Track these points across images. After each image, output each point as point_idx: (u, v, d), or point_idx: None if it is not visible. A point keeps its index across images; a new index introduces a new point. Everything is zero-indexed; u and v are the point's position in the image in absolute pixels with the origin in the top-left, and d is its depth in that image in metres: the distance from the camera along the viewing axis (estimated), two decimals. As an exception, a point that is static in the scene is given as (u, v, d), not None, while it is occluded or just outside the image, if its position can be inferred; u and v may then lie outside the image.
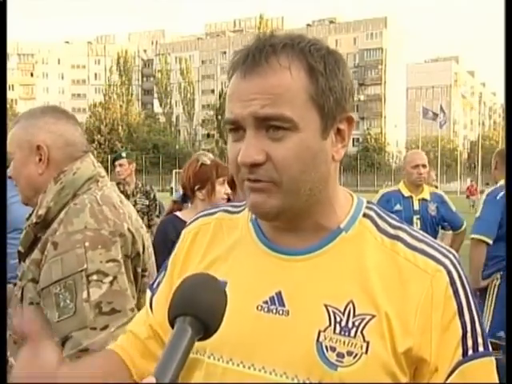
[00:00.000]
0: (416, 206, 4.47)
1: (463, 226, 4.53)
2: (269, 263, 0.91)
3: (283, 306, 0.87)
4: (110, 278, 1.50)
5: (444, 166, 52.93)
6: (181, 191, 2.98)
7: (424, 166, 4.49)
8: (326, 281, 0.87)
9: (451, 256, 0.88)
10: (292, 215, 0.88)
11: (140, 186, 5.43)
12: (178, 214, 2.80)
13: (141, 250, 1.65)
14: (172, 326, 0.71)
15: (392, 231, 0.90)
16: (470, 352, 0.85)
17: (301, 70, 0.83)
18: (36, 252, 1.59)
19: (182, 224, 2.10)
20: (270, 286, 0.89)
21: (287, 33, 0.88)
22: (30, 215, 1.66)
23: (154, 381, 0.63)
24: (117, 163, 5.26)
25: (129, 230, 1.61)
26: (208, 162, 2.81)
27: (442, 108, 40.91)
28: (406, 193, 4.51)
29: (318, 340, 0.84)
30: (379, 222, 0.92)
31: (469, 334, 0.85)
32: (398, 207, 4.44)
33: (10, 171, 1.71)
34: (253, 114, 0.82)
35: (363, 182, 55.99)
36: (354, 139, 72.95)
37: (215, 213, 1.03)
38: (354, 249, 0.89)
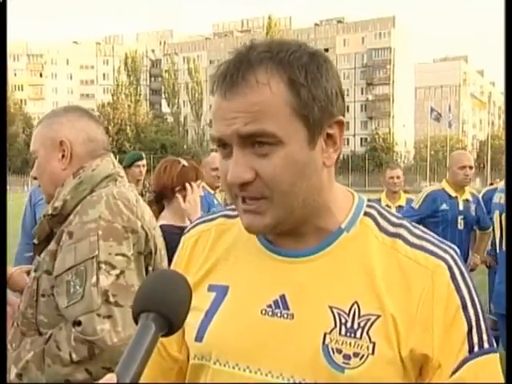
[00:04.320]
0: (461, 207, 4.59)
1: (491, 227, 4.66)
2: (271, 266, 0.90)
3: (287, 309, 0.86)
4: (117, 272, 1.52)
5: (453, 165, 52.46)
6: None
7: (471, 167, 4.58)
8: (329, 282, 0.86)
9: (452, 251, 0.87)
10: (288, 226, 0.87)
11: (148, 186, 5.44)
12: (163, 222, 2.64)
13: (153, 250, 1.66)
14: (136, 323, 0.71)
15: (392, 229, 0.89)
16: (476, 349, 0.83)
17: (280, 83, 0.81)
18: (52, 243, 1.61)
19: (175, 230, 2.04)
20: (273, 289, 0.88)
21: (268, 41, 0.85)
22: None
23: (114, 379, 0.62)
24: (140, 163, 5.27)
25: (142, 227, 1.63)
26: (187, 164, 2.81)
27: (449, 108, 40.67)
28: (452, 193, 4.60)
29: (323, 343, 0.83)
30: (380, 220, 0.91)
31: (474, 330, 0.84)
32: (444, 206, 4.56)
33: (33, 172, 1.72)
34: (236, 132, 0.81)
35: (371, 182, 55.75)
36: (361, 139, 72.82)
37: (215, 218, 1.02)
38: (356, 248, 0.88)
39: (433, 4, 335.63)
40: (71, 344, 1.46)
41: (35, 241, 1.68)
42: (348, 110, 77.47)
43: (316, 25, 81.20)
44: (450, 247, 0.88)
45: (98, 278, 1.49)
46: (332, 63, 0.87)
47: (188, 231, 1.04)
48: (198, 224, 1.04)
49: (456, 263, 0.86)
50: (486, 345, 0.84)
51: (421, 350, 0.82)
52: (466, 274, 0.86)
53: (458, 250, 0.89)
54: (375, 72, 75.57)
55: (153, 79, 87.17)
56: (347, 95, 77.59)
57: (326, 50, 78.03)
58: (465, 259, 4.48)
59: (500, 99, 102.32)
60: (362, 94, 76.71)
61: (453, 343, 0.83)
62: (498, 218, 3.84)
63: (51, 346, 1.50)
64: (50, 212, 1.63)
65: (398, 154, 68.30)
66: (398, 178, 5.47)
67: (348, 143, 73.67)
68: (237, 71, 0.81)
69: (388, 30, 74.54)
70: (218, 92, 0.84)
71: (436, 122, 52.30)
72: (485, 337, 0.85)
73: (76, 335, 1.46)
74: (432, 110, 41.98)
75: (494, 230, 4.01)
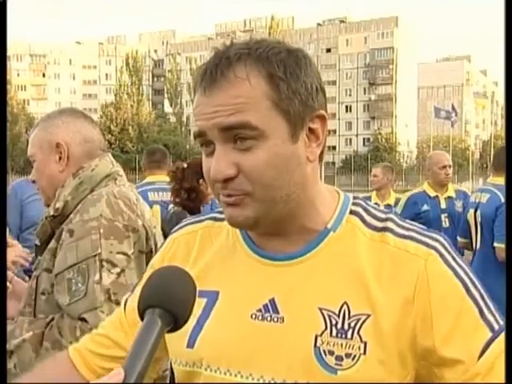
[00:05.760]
0: (443, 205, 4.62)
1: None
2: (260, 270, 0.90)
3: (277, 313, 0.86)
4: (118, 270, 1.53)
5: (455, 165, 52.52)
6: None
7: (450, 166, 4.71)
8: (318, 283, 0.86)
9: (441, 238, 0.88)
10: (272, 221, 0.87)
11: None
12: None
13: (153, 248, 1.67)
14: (142, 319, 0.71)
15: (380, 224, 0.89)
16: (497, 327, 0.83)
17: (259, 77, 0.82)
18: (52, 242, 1.62)
19: None
20: (262, 293, 0.88)
21: (247, 40, 0.87)
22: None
23: (122, 373, 0.64)
24: None
25: (143, 226, 1.64)
26: None
27: (453, 107, 40.48)
28: (432, 193, 4.66)
29: (315, 345, 0.83)
30: (366, 217, 0.91)
31: (485, 310, 0.84)
32: (425, 207, 4.61)
33: (32, 175, 1.74)
34: (218, 125, 0.82)
35: (374, 182, 55.60)
36: (364, 139, 72.70)
37: (203, 220, 1.02)
38: (343, 248, 0.88)
39: (435, 4, 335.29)
40: (75, 335, 1.46)
41: (37, 242, 1.69)
42: (351, 110, 77.39)
43: (319, 25, 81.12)
44: (439, 235, 0.89)
45: (100, 276, 1.50)
46: (312, 60, 0.88)
47: (176, 231, 1.03)
48: (186, 225, 1.03)
49: (446, 249, 0.86)
50: (500, 322, 0.84)
51: (421, 343, 0.82)
52: (458, 258, 0.87)
53: (446, 237, 0.90)
54: (378, 72, 75.42)
55: (155, 79, 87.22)
56: (350, 95, 77.60)
57: (329, 49, 78.13)
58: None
59: (503, 99, 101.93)
60: (365, 93, 76.56)
61: (467, 329, 0.82)
62: (472, 216, 3.89)
63: (53, 331, 1.50)
64: (51, 213, 1.64)
65: (401, 154, 68.18)
66: (375, 176, 5.72)
67: (350, 143, 73.65)
68: (215, 68, 0.82)
69: (391, 29, 74.42)
70: (198, 90, 0.85)
71: (439, 122, 52.20)
72: (497, 314, 0.85)
73: (82, 327, 1.46)
74: (439, 109, 41.54)
75: (470, 229, 3.95)
